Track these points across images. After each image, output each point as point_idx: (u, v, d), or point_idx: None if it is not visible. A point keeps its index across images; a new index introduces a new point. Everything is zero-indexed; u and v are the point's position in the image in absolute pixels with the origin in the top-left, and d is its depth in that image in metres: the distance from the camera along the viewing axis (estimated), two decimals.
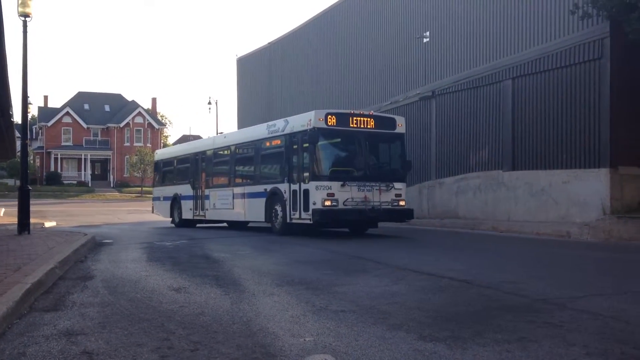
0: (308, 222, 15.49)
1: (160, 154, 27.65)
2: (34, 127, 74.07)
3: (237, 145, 19.96)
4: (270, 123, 18.25)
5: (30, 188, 16.62)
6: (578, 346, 5.15)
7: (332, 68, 29.51)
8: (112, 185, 71.49)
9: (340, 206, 15.35)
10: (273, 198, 17.02)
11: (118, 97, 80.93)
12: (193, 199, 21.97)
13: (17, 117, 22.61)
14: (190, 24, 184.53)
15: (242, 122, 37.62)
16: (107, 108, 77.46)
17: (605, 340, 5.33)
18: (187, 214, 22.49)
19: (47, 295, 7.59)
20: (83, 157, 72.71)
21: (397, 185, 16.27)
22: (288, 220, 16.29)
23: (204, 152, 22.00)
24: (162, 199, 25.12)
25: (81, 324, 6.03)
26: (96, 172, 74.81)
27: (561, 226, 16.61)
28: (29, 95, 16.36)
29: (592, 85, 16.40)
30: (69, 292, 7.87)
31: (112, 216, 30.32)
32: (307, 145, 15.76)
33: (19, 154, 24.98)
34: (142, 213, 34.16)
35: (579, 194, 16.53)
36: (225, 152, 20.75)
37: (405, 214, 16.61)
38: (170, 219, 23.94)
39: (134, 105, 77.56)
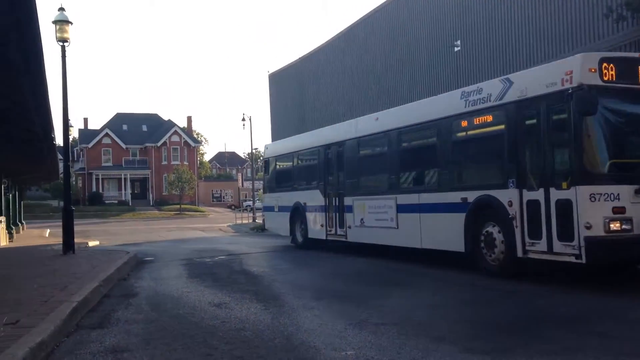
0: (573, 259, 8.76)
1: (273, 148, 20.54)
2: (75, 149, 75.81)
3: (401, 131, 13.22)
4: (468, 89, 11.32)
5: (73, 209, 17.00)
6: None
7: (362, 76, 29.54)
8: (151, 204, 72.59)
9: (637, 232, 8.69)
10: (482, 214, 10.57)
11: (155, 117, 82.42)
12: (325, 210, 16.11)
13: (59, 140, 23.27)
14: (222, 43, 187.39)
15: (276, 135, 37.95)
16: (144, 128, 78.93)
17: None
18: (315, 232, 16.67)
19: (92, 313, 7.76)
20: (123, 176, 74.17)
21: None
22: (519, 254, 9.56)
23: (340, 144, 15.60)
24: (276, 209, 19.25)
25: (126, 341, 6.14)
26: (136, 191, 76.14)
27: None
28: (69, 118, 16.82)
29: None
30: (114, 309, 8.04)
31: (153, 234, 30.80)
32: (562, 118, 9.20)
33: (62, 175, 25.62)
34: (182, 230, 34.62)
35: None
36: (379, 141, 14.15)
37: None
38: (290, 236, 18.28)
39: (170, 124, 78.86)
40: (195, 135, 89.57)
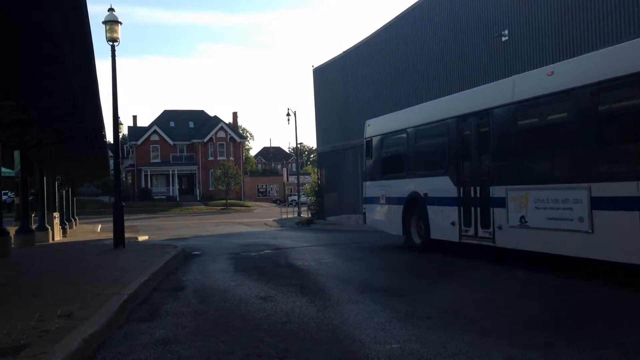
0: None
1: (378, 125, 16.71)
2: (125, 146, 77.85)
3: (601, 87, 9.07)
4: None
5: (124, 204, 17.42)
6: None
7: (407, 69, 29.27)
8: (198, 199, 73.88)
9: None
10: None
11: (201, 114, 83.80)
12: (457, 203, 12.29)
13: (109, 138, 23.91)
14: (267, 38, 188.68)
15: (321, 131, 37.96)
16: (191, 124, 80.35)
17: None
18: (442, 231, 12.94)
19: (142, 306, 7.95)
20: (171, 172, 75.72)
21: None
22: None
23: (483, 114, 11.74)
24: (382, 201, 15.71)
25: (175, 333, 6.27)
26: (183, 187, 77.64)
27: None
28: (119, 116, 17.24)
29: None
30: (163, 302, 8.20)
31: (200, 229, 31.35)
32: None
33: (112, 172, 26.32)
34: (228, 225, 35.11)
35: None
36: (557, 105, 10.10)
37: None
38: (403, 236, 14.67)
39: (216, 120, 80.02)
40: (241, 131, 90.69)
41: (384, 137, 15.98)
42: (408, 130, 14.63)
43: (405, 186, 14.40)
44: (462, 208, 12.15)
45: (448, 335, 5.69)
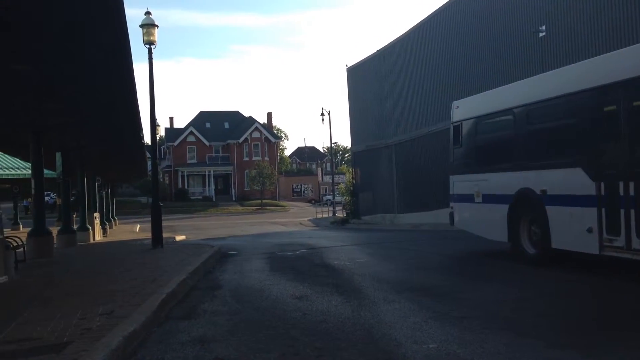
0: None
1: (470, 106, 13.84)
2: (162, 147, 79.14)
3: None
4: None
5: (161, 205, 17.69)
6: None
7: (442, 67, 29.00)
8: (234, 199, 74.47)
9: None
10: None
11: (236, 114, 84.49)
12: (596, 203, 9.29)
13: (146, 139, 24.29)
14: (300, 38, 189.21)
15: (355, 130, 37.88)
16: (226, 125, 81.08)
17: None
18: (569, 239, 9.99)
19: (180, 304, 8.06)
20: (207, 173, 76.59)
21: None
22: None
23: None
24: (478, 199, 12.84)
25: (212, 332, 6.35)
26: (219, 187, 78.38)
27: None
28: (156, 117, 17.50)
29: None
30: (200, 301, 8.30)
31: (236, 229, 31.62)
32: None
33: (150, 173, 26.74)
34: (264, 225, 35.33)
35: None
36: None
37: None
38: (510, 243, 11.73)
39: (251, 121, 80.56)
40: (275, 131, 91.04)
41: (479, 120, 13.10)
42: (515, 110, 11.69)
43: (511, 181, 11.55)
44: (604, 210, 9.12)
45: (486, 336, 5.62)
